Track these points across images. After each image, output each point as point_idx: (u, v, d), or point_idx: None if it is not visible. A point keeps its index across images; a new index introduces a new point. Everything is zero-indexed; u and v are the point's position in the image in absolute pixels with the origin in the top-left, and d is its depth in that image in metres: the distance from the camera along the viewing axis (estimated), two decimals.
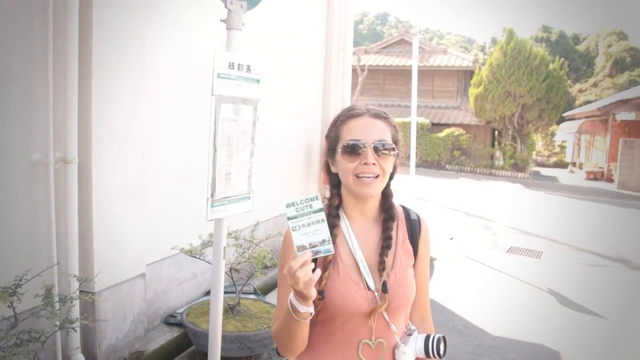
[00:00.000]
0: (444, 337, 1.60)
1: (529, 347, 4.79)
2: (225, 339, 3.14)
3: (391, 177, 1.68)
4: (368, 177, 1.54)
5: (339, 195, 1.66)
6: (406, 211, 1.73)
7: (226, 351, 3.28)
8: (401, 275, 1.60)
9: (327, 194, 1.70)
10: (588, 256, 8.65)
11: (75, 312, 3.06)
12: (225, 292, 3.23)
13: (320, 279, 1.55)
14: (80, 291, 2.93)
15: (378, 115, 1.60)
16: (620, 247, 9.44)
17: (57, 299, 2.72)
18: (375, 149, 1.54)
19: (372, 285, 1.56)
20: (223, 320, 2.88)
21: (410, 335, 1.63)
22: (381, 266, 1.58)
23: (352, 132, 1.58)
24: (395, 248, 1.64)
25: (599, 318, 5.65)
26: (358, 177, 1.54)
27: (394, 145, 1.58)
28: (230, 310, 3.84)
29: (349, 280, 1.56)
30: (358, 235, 1.62)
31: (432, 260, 7.56)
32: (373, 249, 1.61)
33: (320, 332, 1.61)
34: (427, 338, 1.59)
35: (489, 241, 9.41)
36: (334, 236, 1.59)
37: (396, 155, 1.63)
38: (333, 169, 1.65)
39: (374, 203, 1.65)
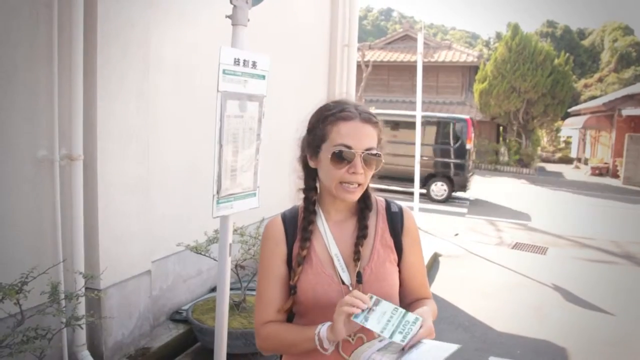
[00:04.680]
0: None
1: (534, 344, 4.77)
2: (230, 335, 3.14)
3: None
4: (352, 185, 1.51)
5: (316, 190, 1.64)
6: (387, 204, 1.70)
7: (232, 348, 3.28)
8: (377, 269, 1.57)
9: (302, 186, 1.66)
10: (593, 252, 8.62)
11: (81, 309, 3.06)
12: (231, 289, 3.23)
13: (294, 274, 1.56)
14: (86, 288, 2.93)
15: (369, 120, 1.55)
16: (625, 243, 9.40)
17: (63, 296, 2.71)
18: (365, 158, 1.51)
19: (346, 280, 1.54)
20: (229, 316, 2.87)
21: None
22: (356, 256, 1.55)
23: (343, 136, 1.53)
24: (374, 241, 1.61)
25: (605, 314, 5.63)
26: (341, 183, 1.52)
27: (378, 152, 1.55)
28: (235, 306, 3.84)
29: (322, 274, 1.55)
30: (334, 229, 1.61)
31: (437, 256, 7.55)
32: (349, 242, 1.59)
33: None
34: None
35: (494, 237, 9.39)
36: (309, 232, 1.59)
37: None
38: (311, 164, 1.60)
39: None
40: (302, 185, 1.66)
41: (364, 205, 1.63)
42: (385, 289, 1.57)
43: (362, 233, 1.58)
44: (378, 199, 1.70)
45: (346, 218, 1.63)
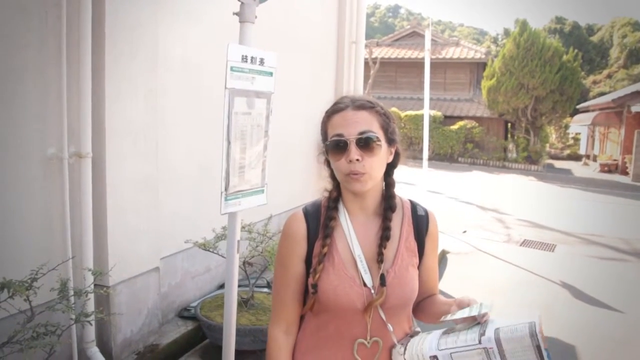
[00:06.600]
0: None
1: None
2: (239, 332, 3.15)
3: (394, 166, 1.63)
4: (356, 174, 1.49)
5: (338, 188, 1.62)
6: (413, 206, 1.68)
7: (240, 344, 3.29)
8: (401, 273, 1.55)
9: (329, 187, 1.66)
10: (602, 249, 8.57)
11: (90, 306, 3.08)
12: (239, 286, 3.24)
13: (315, 272, 1.53)
14: (95, 285, 2.95)
15: (361, 107, 1.53)
16: (635, 240, 9.33)
17: (72, 292, 2.73)
18: (359, 142, 1.48)
19: (368, 282, 1.51)
20: (237, 313, 2.88)
21: (412, 337, 1.56)
22: (379, 258, 1.53)
23: (335, 127, 1.53)
24: (398, 244, 1.59)
25: (614, 312, 5.60)
26: (348, 175, 1.50)
27: (378, 135, 1.51)
28: (243, 303, 3.85)
29: (343, 275, 1.52)
30: (358, 229, 1.57)
31: (445, 253, 7.54)
32: (373, 244, 1.56)
33: (314, 327, 1.60)
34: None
35: (502, 234, 9.36)
36: (331, 229, 1.57)
37: (390, 144, 1.57)
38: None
39: (373, 196, 1.60)
40: (329, 185, 1.66)
41: (387, 205, 1.60)
42: (407, 294, 1.57)
43: (385, 234, 1.55)
44: (404, 200, 1.68)
45: (370, 218, 1.60)
